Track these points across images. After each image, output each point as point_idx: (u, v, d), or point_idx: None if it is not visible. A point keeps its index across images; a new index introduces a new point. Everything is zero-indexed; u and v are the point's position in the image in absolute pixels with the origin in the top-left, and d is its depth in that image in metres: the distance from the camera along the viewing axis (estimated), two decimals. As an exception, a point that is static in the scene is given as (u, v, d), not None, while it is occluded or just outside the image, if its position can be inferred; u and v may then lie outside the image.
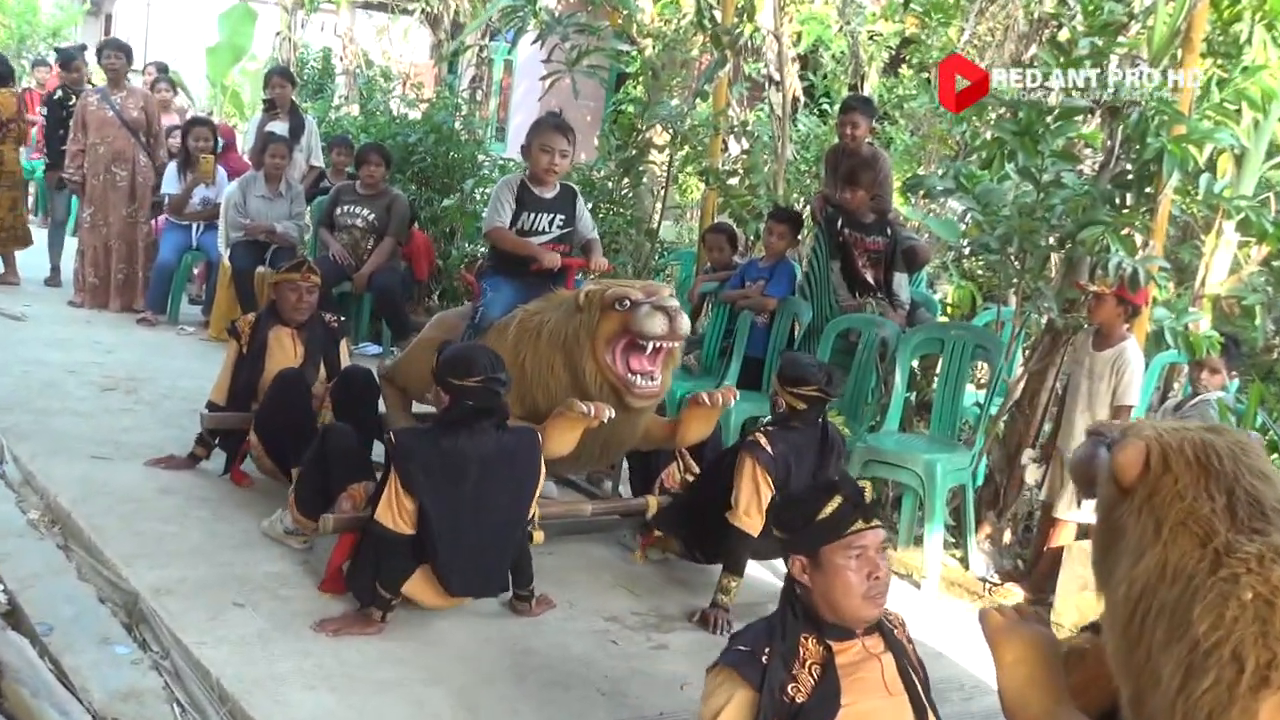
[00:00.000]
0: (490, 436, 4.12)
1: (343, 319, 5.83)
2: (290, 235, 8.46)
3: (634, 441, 5.00)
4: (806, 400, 4.57)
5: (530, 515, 4.29)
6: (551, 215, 5.42)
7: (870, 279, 6.65)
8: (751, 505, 4.47)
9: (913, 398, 6.36)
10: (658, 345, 4.56)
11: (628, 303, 4.57)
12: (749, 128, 9.36)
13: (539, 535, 4.41)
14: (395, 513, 3.99)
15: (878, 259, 6.63)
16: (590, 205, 8.43)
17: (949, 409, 5.93)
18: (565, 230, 5.45)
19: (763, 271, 6.98)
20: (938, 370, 6.29)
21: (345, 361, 5.60)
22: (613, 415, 4.50)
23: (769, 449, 4.51)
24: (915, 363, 6.40)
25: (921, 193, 6.40)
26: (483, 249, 9.63)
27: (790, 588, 2.90)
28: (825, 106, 10.48)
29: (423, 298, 9.75)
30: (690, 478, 5.13)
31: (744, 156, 8.74)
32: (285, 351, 5.42)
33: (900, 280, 6.61)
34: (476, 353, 4.23)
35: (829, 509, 2.82)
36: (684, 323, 4.55)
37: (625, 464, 5.55)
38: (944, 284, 8.52)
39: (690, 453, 5.22)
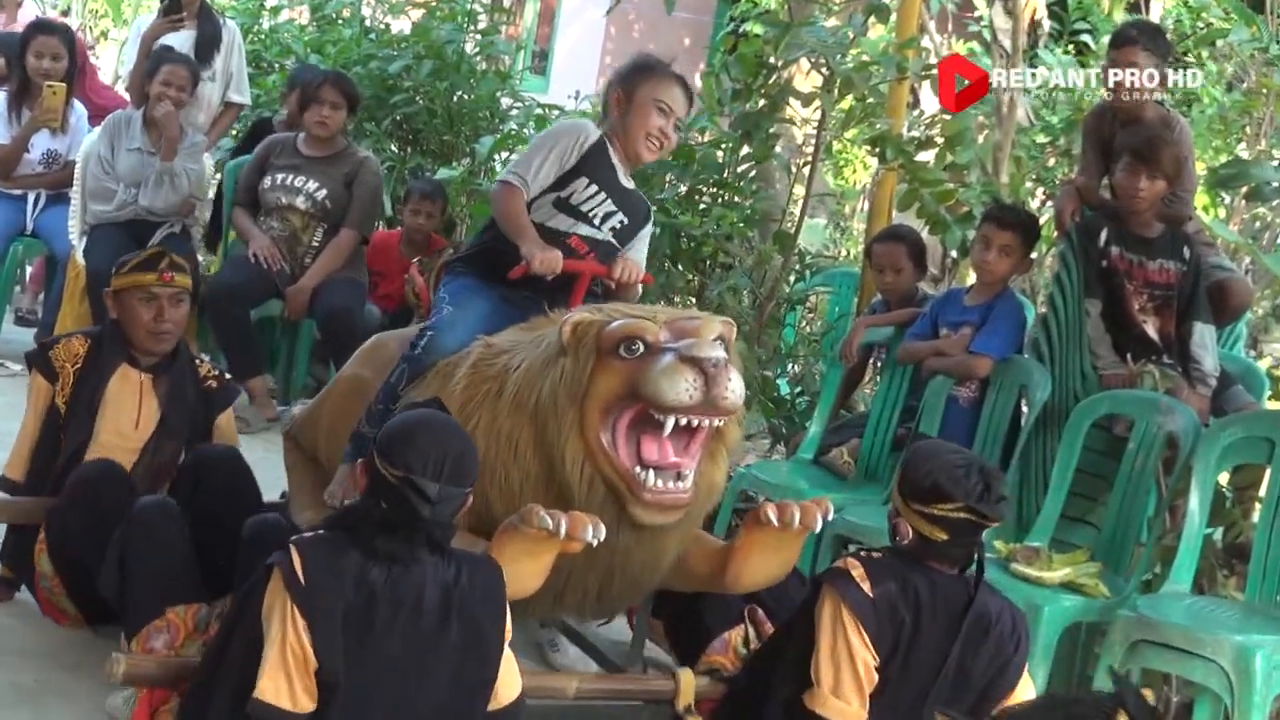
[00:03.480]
0: (425, 568, 4.06)
1: (229, 377, 5.88)
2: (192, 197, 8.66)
3: (656, 575, 4.87)
4: (949, 528, 4.46)
5: (514, 700, 4.25)
6: (615, 211, 5.38)
7: (1153, 332, 6.59)
8: (843, 678, 4.40)
9: (1217, 536, 6.26)
10: (687, 421, 4.41)
11: (639, 346, 4.44)
12: (955, 70, 9.35)
13: None
14: (293, 681, 3.90)
15: (1166, 299, 6.56)
16: (686, 186, 8.45)
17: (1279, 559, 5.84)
18: (615, 240, 5.45)
19: (970, 312, 6.94)
20: (1262, 492, 6.19)
21: (230, 443, 5.65)
22: (600, 536, 4.34)
23: (865, 585, 4.41)
24: (1224, 477, 6.30)
25: (1242, 190, 6.31)
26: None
27: None
28: (1085, 39, 10.44)
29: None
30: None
31: (945, 118, 8.70)
32: (125, 409, 5.42)
33: (1204, 336, 6.53)
34: (430, 430, 4.13)
35: None
36: (731, 388, 4.35)
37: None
38: (1275, 344, 8.42)
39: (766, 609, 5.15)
